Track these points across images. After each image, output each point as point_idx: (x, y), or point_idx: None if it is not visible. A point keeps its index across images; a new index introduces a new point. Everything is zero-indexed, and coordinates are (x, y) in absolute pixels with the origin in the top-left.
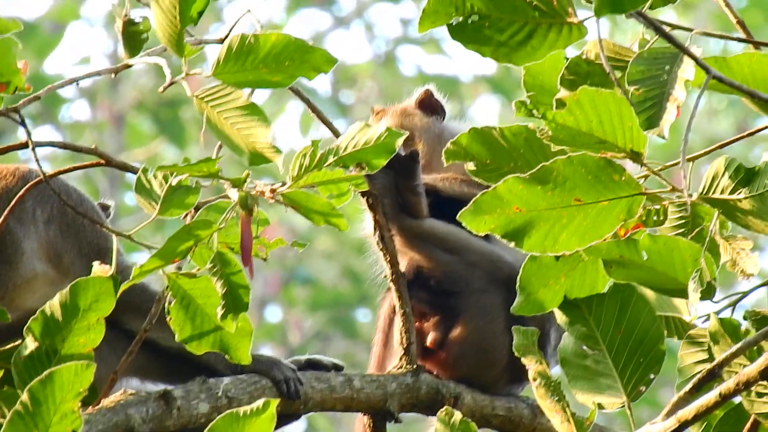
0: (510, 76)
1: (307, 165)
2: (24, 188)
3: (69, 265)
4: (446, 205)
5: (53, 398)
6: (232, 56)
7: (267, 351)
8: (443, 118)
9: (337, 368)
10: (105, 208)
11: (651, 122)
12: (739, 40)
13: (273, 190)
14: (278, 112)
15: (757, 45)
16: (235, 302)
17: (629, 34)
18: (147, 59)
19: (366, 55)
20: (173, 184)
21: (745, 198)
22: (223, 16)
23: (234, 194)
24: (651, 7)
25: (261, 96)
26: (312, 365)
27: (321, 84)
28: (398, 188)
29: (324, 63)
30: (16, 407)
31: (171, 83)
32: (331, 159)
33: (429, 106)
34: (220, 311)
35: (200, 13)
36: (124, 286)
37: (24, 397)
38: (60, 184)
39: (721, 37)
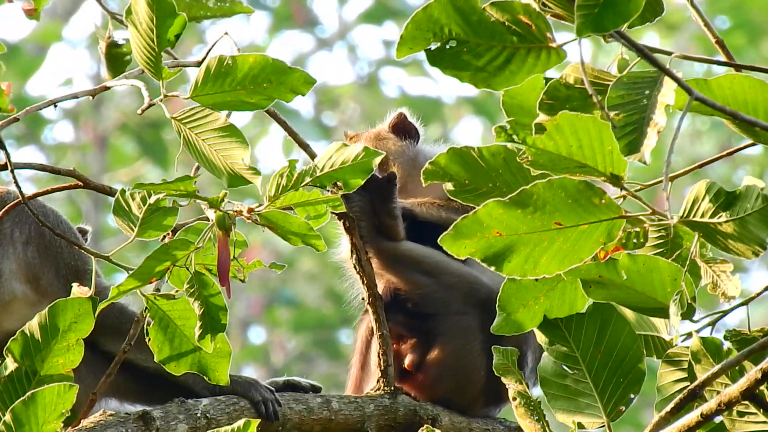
0: (493, 98)
1: (284, 185)
2: (3, 210)
3: (47, 287)
4: (422, 229)
5: (36, 419)
6: (210, 78)
7: (250, 372)
8: (417, 141)
9: (315, 390)
10: (83, 232)
11: (632, 147)
12: (720, 63)
13: (250, 210)
14: (261, 134)
15: (739, 67)
16: (212, 323)
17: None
18: (126, 81)
19: (349, 77)
20: (151, 204)
21: (726, 222)
22: (205, 38)
23: (211, 214)
24: (630, 26)
25: (243, 118)
26: (290, 387)
27: (303, 105)
28: (375, 211)
29: (302, 84)
30: None
31: (149, 105)
32: (308, 179)
33: (403, 129)
34: (197, 332)
35: (177, 36)
36: (101, 306)
37: (7, 417)
38: (38, 206)
39: (701, 60)
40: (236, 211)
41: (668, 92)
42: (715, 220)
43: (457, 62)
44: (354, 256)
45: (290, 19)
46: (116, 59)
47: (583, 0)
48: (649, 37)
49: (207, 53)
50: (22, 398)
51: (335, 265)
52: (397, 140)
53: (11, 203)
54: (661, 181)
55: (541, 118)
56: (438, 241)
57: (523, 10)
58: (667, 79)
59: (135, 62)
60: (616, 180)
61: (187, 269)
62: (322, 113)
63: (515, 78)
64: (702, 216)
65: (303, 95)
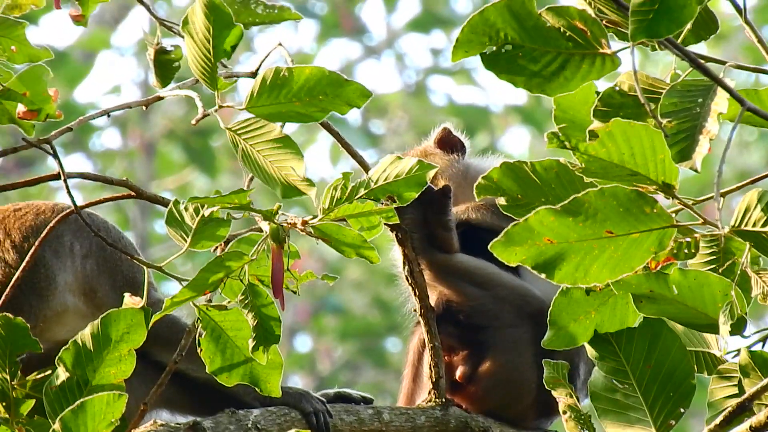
0: (541, 106)
1: (338, 197)
2: (56, 219)
3: (103, 299)
4: (474, 237)
5: (85, 428)
6: (266, 89)
7: (296, 380)
8: (464, 154)
9: (366, 401)
10: None
11: (683, 155)
12: None
13: (304, 222)
14: (308, 142)
15: None
16: (266, 334)
17: (660, 66)
18: (178, 92)
19: (396, 85)
20: (205, 216)
21: None
22: (253, 46)
23: (265, 226)
24: (685, 43)
25: (291, 126)
26: (341, 398)
27: (351, 114)
28: (428, 223)
29: (358, 97)
30: None
31: (204, 116)
32: (362, 192)
33: (448, 143)
34: (251, 343)
35: (233, 47)
36: (155, 317)
37: (56, 426)
38: (99, 221)
39: (753, 70)
40: (290, 224)
41: (721, 101)
42: (767, 229)
43: (512, 67)
44: (406, 267)
45: (338, 27)
46: (165, 66)
47: (638, 6)
48: (697, 46)
49: (261, 63)
50: (71, 407)
51: (382, 273)
52: (443, 155)
53: (64, 213)
54: (711, 196)
55: (595, 125)
56: (488, 247)
57: (578, 16)
58: (719, 88)
59: (184, 69)
60: (667, 189)
61: (241, 281)
62: (370, 121)
63: (569, 84)
64: (754, 225)
65: (359, 108)
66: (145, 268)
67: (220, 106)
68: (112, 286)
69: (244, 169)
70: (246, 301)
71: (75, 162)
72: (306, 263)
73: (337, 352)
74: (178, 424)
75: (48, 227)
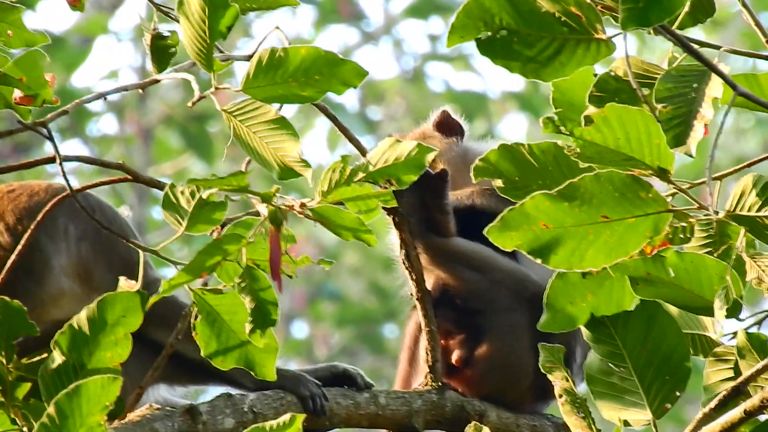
0: (538, 93)
1: (336, 180)
2: (51, 203)
3: (99, 281)
4: (471, 220)
5: (80, 411)
6: (261, 70)
7: (293, 367)
8: (463, 138)
9: (368, 387)
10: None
11: (678, 140)
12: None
13: (302, 205)
14: (306, 128)
15: None
16: (263, 318)
17: (657, 52)
18: (175, 75)
19: (394, 71)
20: (202, 198)
21: None
22: (251, 31)
23: (263, 209)
24: (680, 27)
25: (288, 112)
26: (347, 377)
27: (349, 100)
28: (426, 207)
29: (354, 77)
30: (42, 419)
31: (200, 98)
32: (361, 175)
33: (447, 127)
34: (248, 327)
35: (229, 28)
36: (151, 300)
37: (50, 409)
38: (93, 201)
39: (749, 55)
40: (288, 206)
41: (716, 86)
42: (762, 213)
43: (507, 52)
44: (403, 251)
45: (336, 13)
46: (161, 52)
47: None
48: (694, 33)
49: (258, 47)
50: (65, 390)
51: (379, 259)
52: (442, 138)
53: (59, 196)
54: (705, 181)
55: (591, 110)
56: (484, 232)
57: (573, 1)
58: (714, 73)
59: (181, 55)
60: (663, 174)
61: (238, 264)
62: (367, 107)
63: (565, 69)
64: (749, 210)
65: (355, 87)
66: (139, 251)
67: (217, 88)
68: (109, 268)
69: (239, 146)
70: (243, 285)
71: (72, 147)
72: (303, 249)
73: (334, 338)
74: (174, 407)
75: (43, 212)
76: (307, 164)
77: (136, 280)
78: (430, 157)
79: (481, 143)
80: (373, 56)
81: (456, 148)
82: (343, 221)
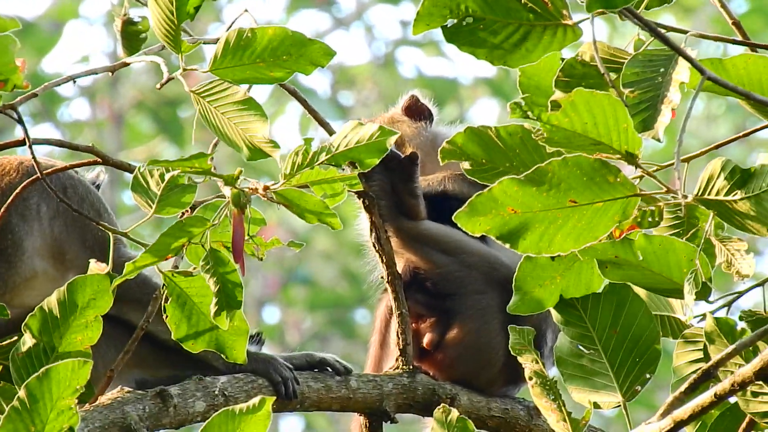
0: (509, 78)
1: (300, 163)
2: (21, 186)
3: (72, 260)
4: (440, 205)
5: (50, 395)
6: (229, 51)
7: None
8: (432, 122)
9: (348, 371)
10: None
11: (646, 125)
12: (735, 42)
13: (266, 188)
14: (277, 113)
15: (754, 47)
16: (228, 300)
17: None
18: (145, 57)
19: (365, 57)
20: (170, 181)
21: (741, 200)
22: (222, 17)
23: (227, 191)
24: (647, 8)
25: (260, 97)
26: (324, 365)
27: (320, 85)
28: (396, 190)
29: (321, 56)
30: (13, 403)
31: (168, 79)
32: (323, 157)
33: (416, 111)
34: (213, 309)
35: (197, 8)
36: (116, 281)
37: (21, 393)
38: (65, 179)
39: (716, 39)
40: (252, 189)
41: (683, 70)
42: (730, 198)
43: (473, 39)
44: (373, 234)
45: None
46: (132, 37)
47: None
48: (664, 18)
49: (228, 29)
50: (36, 374)
51: (351, 244)
52: (411, 122)
53: (30, 179)
54: (673, 164)
55: (557, 95)
56: (453, 218)
57: None
58: (682, 58)
59: (152, 40)
60: (630, 158)
61: (203, 246)
62: (339, 93)
63: (531, 55)
64: (717, 194)
65: (323, 67)
66: (110, 233)
67: (184, 69)
68: (82, 246)
69: (207, 127)
70: (208, 267)
71: (43, 132)
72: (275, 233)
73: (306, 323)
74: (144, 391)
75: (13, 194)
76: (275, 144)
77: (106, 261)
78: (392, 140)
79: (450, 127)
80: (345, 42)
81: (424, 132)
82: (307, 204)
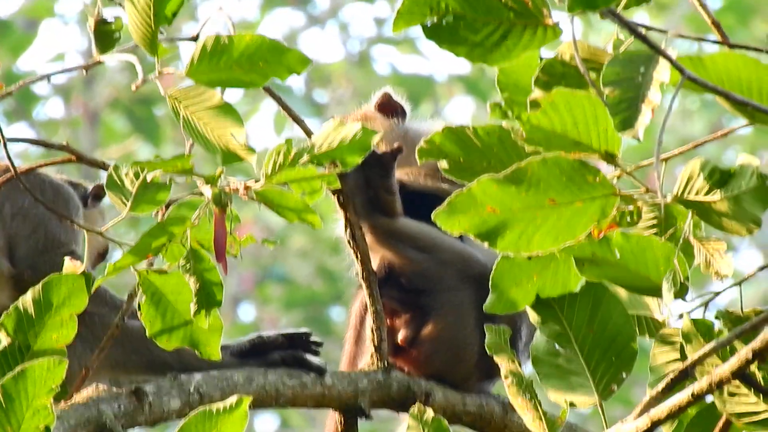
0: (485, 76)
1: (281, 162)
2: None
3: (22, 259)
4: (415, 201)
5: (26, 394)
6: (206, 56)
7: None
8: (405, 119)
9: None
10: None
11: (626, 124)
12: (714, 42)
13: (246, 187)
14: (252, 112)
15: (732, 47)
16: (208, 299)
17: (602, 35)
18: (119, 56)
19: (340, 55)
20: (145, 179)
21: (720, 200)
22: (197, 15)
23: (207, 191)
24: (625, 7)
25: (235, 95)
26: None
27: (295, 83)
28: (372, 186)
29: (298, 64)
30: None
31: (144, 81)
32: (305, 157)
33: (389, 108)
34: (193, 308)
35: (174, 14)
36: (98, 282)
37: None
38: (38, 179)
39: (696, 39)
40: (232, 188)
41: (663, 70)
42: (709, 198)
43: (453, 37)
44: (348, 231)
45: None
46: (105, 37)
47: None
48: (638, 16)
49: (202, 27)
50: (11, 373)
51: (327, 242)
52: (384, 119)
53: (3, 178)
54: (652, 162)
55: (537, 94)
56: (431, 216)
57: None
58: (662, 57)
59: (125, 38)
60: (610, 158)
61: (183, 245)
62: (314, 90)
63: (511, 54)
64: (696, 194)
65: (298, 74)
66: (84, 231)
67: (160, 72)
68: (30, 244)
69: (185, 135)
70: (188, 266)
71: (18, 131)
72: (250, 231)
73: (282, 321)
74: (120, 389)
75: None
76: (251, 149)
77: (58, 255)
78: (375, 139)
79: (423, 123)
80: (319, 39)
81: (397, 128)
82: (287, 203)
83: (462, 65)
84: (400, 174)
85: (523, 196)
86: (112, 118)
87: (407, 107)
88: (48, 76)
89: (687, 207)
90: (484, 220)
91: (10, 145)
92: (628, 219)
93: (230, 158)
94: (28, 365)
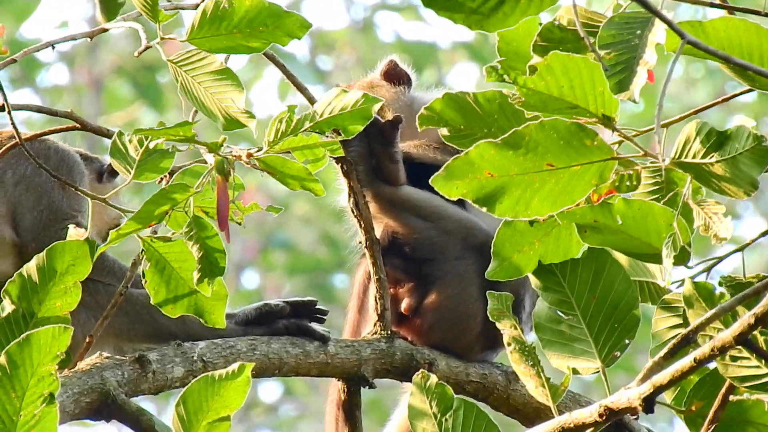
0: (488, 43)
1: (283, 130)
2: (1, 151)
3: (22, 224)
4: (419, 172)
5: (30, 361)
6: (206, 21)
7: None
8: (410, 87)
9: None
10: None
11: (621, 86)
12: (713, 5)
13: (249, 155)
14: (255, 79)
15: (733, 11)
16: (211, 266)
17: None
18: (123, 24)
19: (344, 22)
20: (149, 147)
21: (717, 162)
22: None
23: (210, 159)
24: None
25: (238, 62)
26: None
27: (299, 50)
28: (375, 155)
29: (298, 29)
30: None
31: (146, 48)
32: (307, 125)
33: (395, 76)
34: (196, 275)
35: None
36: (101, 249)
37: (1, 359)
38: (43, 146)
39: (695, 2)
40: (235, 156)
41: (659, 31)
42: (706, 160)
43: (451, 4)
44: (351, 199)
45: None
46: (109, 3)
47: None
48: None
49: None
50: (16, 340)
51: (330, 209)
52: (390, 87)
53: (7, 146)
54: (652, 128)
55: (535, 60)
56: (429, 181)
57: None
58: (657, 19)
59: (129, 5)
60: (607, 121)
61: (186, 213)
62: (318, 57)
63: (509, 20)
64: (694, 157)
65: (299, 39)
66: (89, 200)
67: (162, 38)
68: (34, 212)
69: (184, 101)
70: (191, 233)
71: (22, 97)
72: (254, 199)
73: (285, 288)
74: (123, 357)
75: None
76: (251, 115)
77: (62, 227)
78: (377, 107)
79: (428, 92)
80: (323, 6)
81: (403, 97)
82: (289, 170)
83: (465, 32)
84: (408, 145)
85: (520, 161)
86: (116, 85)
87: (413, 75)
88: (53, 44)
89: (685, 170)
90: (481, 185)
91: (14, 112)
92: (627, 183)
93: (231, 124)
94: (33, 332)
